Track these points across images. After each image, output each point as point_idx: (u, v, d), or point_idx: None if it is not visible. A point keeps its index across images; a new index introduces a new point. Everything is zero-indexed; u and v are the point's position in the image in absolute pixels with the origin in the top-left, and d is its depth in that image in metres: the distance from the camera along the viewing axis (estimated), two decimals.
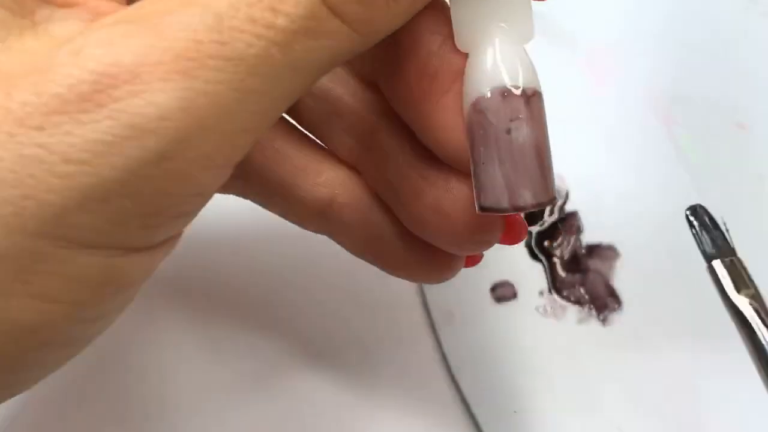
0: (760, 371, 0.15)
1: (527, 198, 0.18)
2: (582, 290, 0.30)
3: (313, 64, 0.16)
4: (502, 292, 0.30)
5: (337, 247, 0.31)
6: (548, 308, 0.30)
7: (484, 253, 0.23)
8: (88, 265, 0.16)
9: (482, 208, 0.18)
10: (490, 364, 0.29)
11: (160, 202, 0.16)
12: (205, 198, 0.17)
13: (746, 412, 0.27)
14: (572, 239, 0.31)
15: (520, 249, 0.31)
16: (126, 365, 0.29)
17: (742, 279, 0.16)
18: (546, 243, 0.31)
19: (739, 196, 0.33)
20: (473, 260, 0.23)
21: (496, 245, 0.21)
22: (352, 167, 0.22)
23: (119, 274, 0.16)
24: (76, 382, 0.28)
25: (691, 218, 0.17)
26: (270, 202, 0.23)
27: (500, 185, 0.18)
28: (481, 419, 0.28)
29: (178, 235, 0.18)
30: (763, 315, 0.16)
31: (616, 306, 0.30)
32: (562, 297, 0.30)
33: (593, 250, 0.31)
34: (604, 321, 0.30)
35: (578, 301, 0.30)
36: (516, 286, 0.30)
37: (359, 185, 0.22)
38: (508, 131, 0.18)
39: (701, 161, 0.33)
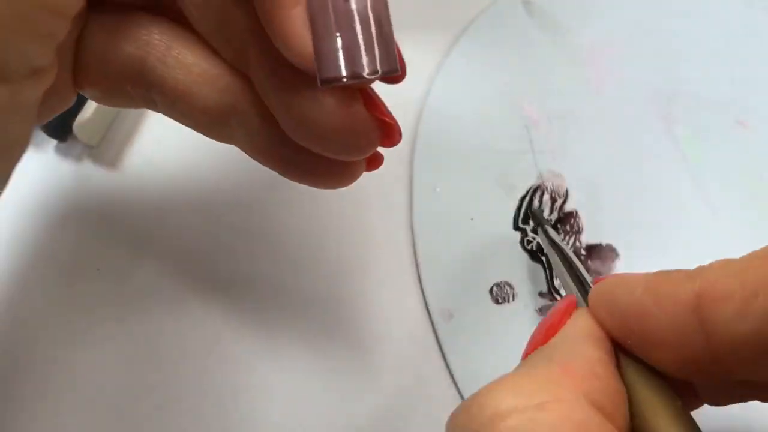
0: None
1: (366, 65, 0.18)
2: None
3: None
4: (502, 293, 0.30)
5: (338, 246, 0.31)
6: (548, 309, 0.30)
7: (384, 155, 0.23)
8: None
9: (323, 81, 0.18)
10: (489, 364, 0.29)
11: (3, 11, 0.15)
12: (57, 18, 0.16)
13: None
14: (572, 239, 0.31)
15: (519, 249, 0.31)
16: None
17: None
18: None
19: (740, 195, 0.33)
20: (373, 163, 0.23)
21: None
22: (245, 75, 0.22)
23: None
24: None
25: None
26: (175, 111, 0.23)
27: (339, 54, 0.18)
28: None
29: (45, 72, 0.17)
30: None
31: None
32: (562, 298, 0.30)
33: (593, 250, 0.31)
34: None
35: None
36: (515, 286, 0.30)
37: (254, 92, 0.22)
38: (346, 0, 0.18)
39: (701, 160, 0.33)
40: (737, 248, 0.32)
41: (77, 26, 0.22)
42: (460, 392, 0.29)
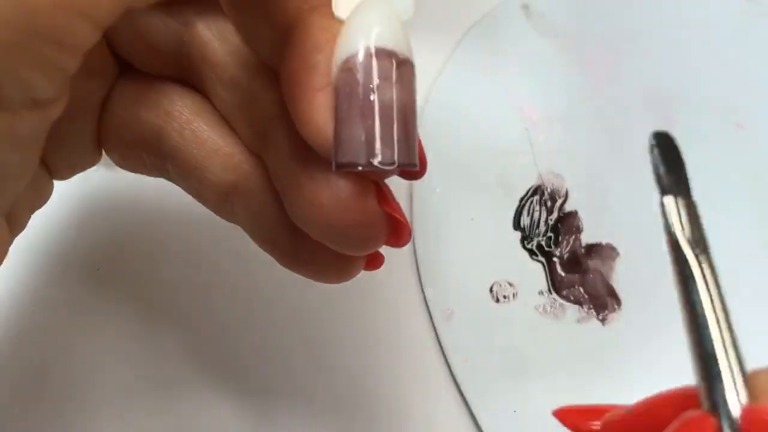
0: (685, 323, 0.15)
1: (386, 155, 0.18)
2: (581, 290, 0.30)
3: None
4: (502, 292, 0.30)
5: None
6: (548, 308, 0.30)
7: (385, 256, 0.23)
8: None
9: (338, 165, 0.18)
10: (489, 363, 0.29)
11: (2, 37, 0.15)
12: (65, 52, 0.16)
13: None
14: (572, 239, 0.31)
15: (519, 248, 0.31)
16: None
17: (695, 223, 0.15)
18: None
19: (737, 196, 0.33)
20: (373, 263, 0.23)
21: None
22: (258, 156, 0.22)
23: None
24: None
25: (655, 147, 0.16)
26: (187, 184, 0.23)
27: (359, 140, 0.18)
28: (480, 418, 0.28)
29: (49, 104, 0.17)
30: (703, 262, 0.15)
31: (616, 305, 0.30)
32: (562, 296, 0.30)
33: (593, 249, 0.31)
34: (603, 320, 0.30)
35: (578, 301, 0.30)
36: (516, 285, 0.30)
37: (263, 175, 0.22)
38: (374, 90, 0.18)
39: (700, 161, 0.33)
40: (737, 249, 0.32)
41: (105, 88, 0.22)
42: (460, 392, 0.29)
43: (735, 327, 0.14)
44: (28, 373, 0.28)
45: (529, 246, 0.31)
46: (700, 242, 0.15)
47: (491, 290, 0.30)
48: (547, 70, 0.35)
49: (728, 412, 0.14)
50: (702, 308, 0.14)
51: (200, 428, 0.28)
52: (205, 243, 0.31)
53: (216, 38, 0.22)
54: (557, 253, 0.31)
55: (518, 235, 0.31)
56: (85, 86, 0.21)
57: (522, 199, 0.32)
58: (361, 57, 0.18)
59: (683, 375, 0.30)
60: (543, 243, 0.31)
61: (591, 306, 0.30)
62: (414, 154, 0.18)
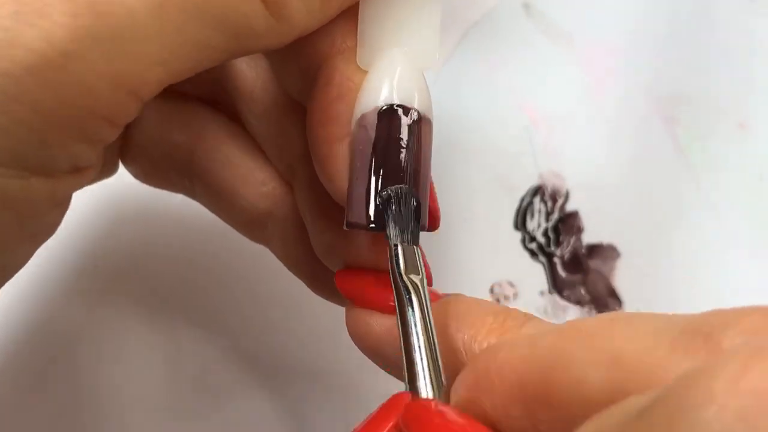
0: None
1: None
2: (582, 290, 0.30)
3: (223, 25, 0.16)
4: (503, 292, 0.30)
5: None
6: (549, 308, 0.30)
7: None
8: None
9: (348, 224, 0.18)
10: None
11: (58, 112, 0.15)
12: (108, 125, 0.16)
13: None
14: (572, 239, 0.31)
15: (520, 248, 0.31)
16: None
17: (414, 264, 0.18)
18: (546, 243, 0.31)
19: (740, 196, 0.33)
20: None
21: None
22: (289, 184, 0.22)
23: (17, 197, 0.16)
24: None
25: (392, 202, 0.18)
26: (215, 206, 0.23)
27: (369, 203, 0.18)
28: None
29: (87, 169, 0.17)
30: (421, 296, 0.17)
31: (617, 306, 0.30)
32: (563, 297, 0.30)
33: (594, 250, 0.31)
34: None
35: (579, 302, 0.30)
36: (516, 286, 0.30)
37: (294, 203, 0.22)
38: (387, 150, 0.18)
39: (701, 161, 0.33)
40: (738, 249, 0.32)
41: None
42: None
43: (434, 337, 0.17)
44: (24, 370, 0.28)
45: (529, 246, 0.31)
46: (412, 271, 0.18)
47: (492, 290, 0.30)
48: (547, 69, 0.35)
49: (418, 389, 0.17)
50: (409, 320, 0.17)
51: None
52: (205, 237, 0.31)
53: (250, 70, 0.21)
54: (558, 253, 0.31)
55: (519, 235, 0.31)
56: None
57: (522, 199, 0.32)
58: (375, 115, 0.18)
59: None
60: (543, 243, 0.31)
61: (592, 306, 0.30)
62: (425, 217, 0.18)
